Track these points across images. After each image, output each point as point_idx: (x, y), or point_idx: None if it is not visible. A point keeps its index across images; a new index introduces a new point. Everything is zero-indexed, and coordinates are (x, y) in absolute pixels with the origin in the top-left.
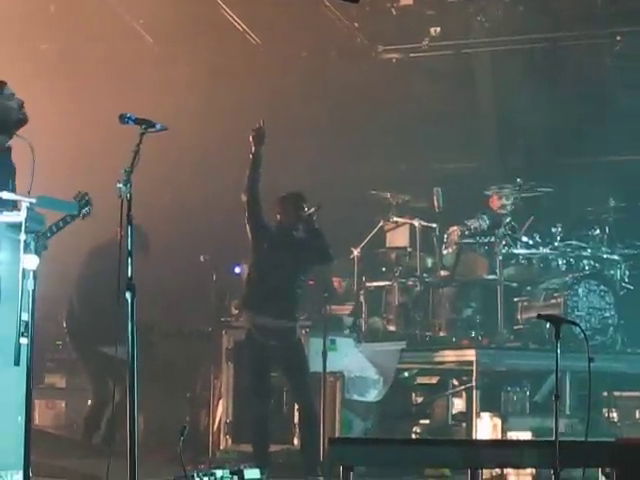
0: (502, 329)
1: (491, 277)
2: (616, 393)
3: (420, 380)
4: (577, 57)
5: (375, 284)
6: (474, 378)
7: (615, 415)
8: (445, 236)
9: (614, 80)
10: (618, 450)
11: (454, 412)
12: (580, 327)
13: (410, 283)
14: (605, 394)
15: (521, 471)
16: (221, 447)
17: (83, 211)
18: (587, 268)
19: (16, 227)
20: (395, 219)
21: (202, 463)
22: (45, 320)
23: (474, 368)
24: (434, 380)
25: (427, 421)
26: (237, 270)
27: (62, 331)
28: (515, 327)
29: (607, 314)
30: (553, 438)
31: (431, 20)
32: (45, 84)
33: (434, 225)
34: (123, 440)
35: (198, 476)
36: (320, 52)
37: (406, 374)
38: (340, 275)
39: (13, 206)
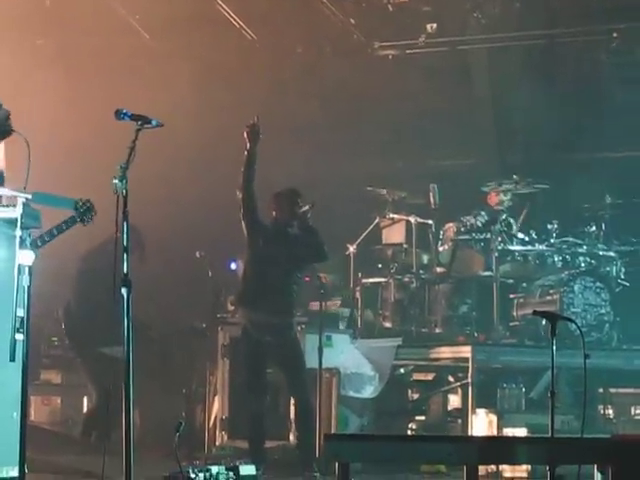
0: (498, 326)
1: (487, 274)
2: (612, 390)
3: (416, 376)
4: (573, 53)
5: (371, 280)
6: (470, 375)
7: (611, 411)
8: (441, 233)
9: (610, 76)
10: (614, 447)
11: (450, 408)
12: (576, 324)
13: (406, 280)
14: (601, 391)
15: (516, 467)
16: (217, 443)
17: (85, 218)
18: (583, 265)
19: (12, 223)
20: (391, 216)
21: (198, 459)
22: (41, 316)
23: (470, 365)
24: (430, 376)
25: (423, 417)
26: (233, 266)
27: (58, 327)
28: (511, 324)
29: (603, 311)
30: (549, 435)
31: (427, 16)
32: (41, 79)
33: (430, 222)
34: (119, 436)
35: (194, 472)
36: (316, 48)
37: (402, 370)
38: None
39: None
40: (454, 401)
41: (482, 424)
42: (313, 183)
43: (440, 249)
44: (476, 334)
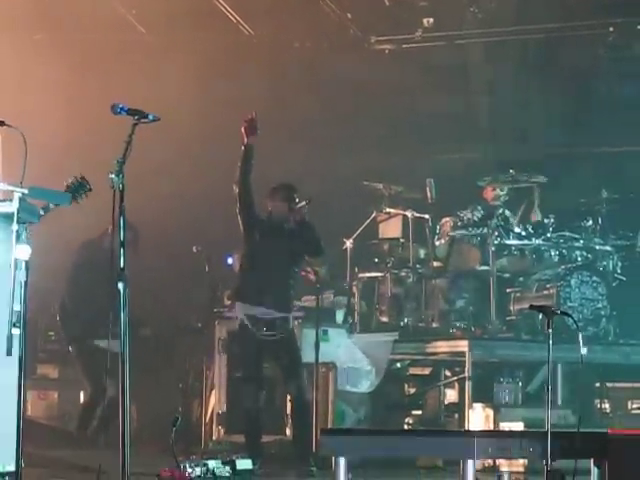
0: (494, 320)
1: (484, 268)
2: (608, 384)
3: (412, 371)
4: (570, 48)
5: (368, 275)
6: (466, 369)
7: (607, 406)
8: (438, 227)
9: (607, 70)
10: (610, 441)
11: (446, 403)
12: (572, 318)
13: (403, 274)
14: (597, 385)
15: (513, 462)
16: (213, 438)
17: (77, 195)
18: (580, 259)
19: (8, 217)
20: (388, 210)
21: (194, 454)
22: (37, 311)
23: (467, 359)
24: (427, 371)
25: (420, 412)
26: (230, 261)
27: (54, 322)
28: (507, 318)
29: (599, 305)
30: (545, 429)
31: (424, 11)
32: (38, 74)
33: (427, 216)
34: (116, 431)
35: (190, 467)
36: (313, 43)
37: (399, 365)
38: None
39: None
40: (451, 395)
41: (479, 418)
42: (310, 178)
43: (437, 243)
44: (473, 328)
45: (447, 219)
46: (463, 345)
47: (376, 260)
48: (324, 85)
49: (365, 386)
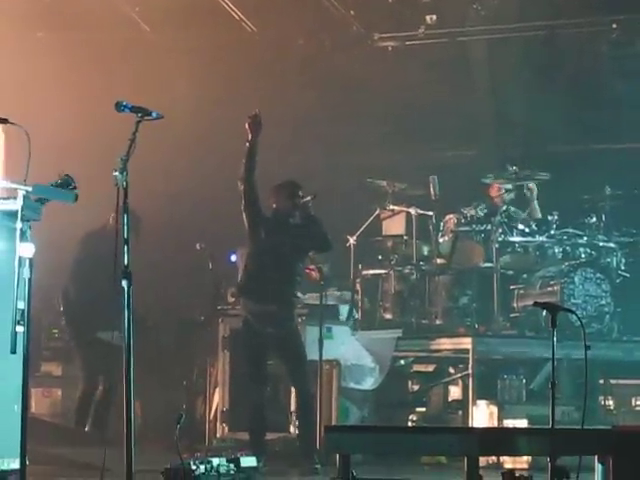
0: (498, 317)
1: (487, 265)
2: (612, 381)
3: (416, 368)
4: (573, 45)
5: (371, 272)
6: (470, 366)
7: (611, 403)
8: (441, 224)
9: (610, 67)
10: (614, 438)
11: (450, 400)
12: (576, 315)
13: (406, 271)
14: (601, 382)
15: (517, 459)
16: (217, 435)
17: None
18: (583, 256)
19: (12, 215)
20: (391, 207)
21: (199, 451)
22: (41, 308)
23: (470, 356)
24: (430, 368)
25: (423, 409)
26: (233, 258)
27: (58, 319)
28: (511, 315)
29: (603, 302)
30: (549, 426)
31: (427, 8)
32: (41, 71)
33: (430, 213)
34: (120, 428)
35: (195, 464)
36: (316, 40)
37: (402, 362)
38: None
39: None
40: (454, 392)
41: (483, 415)
42: (313, 175)
43: (440, 240)
44: (476, 325)
45: (451, 216)
46: (467, 342)
47: (380, 257)
48: (327, 82)
49: (369, 383)
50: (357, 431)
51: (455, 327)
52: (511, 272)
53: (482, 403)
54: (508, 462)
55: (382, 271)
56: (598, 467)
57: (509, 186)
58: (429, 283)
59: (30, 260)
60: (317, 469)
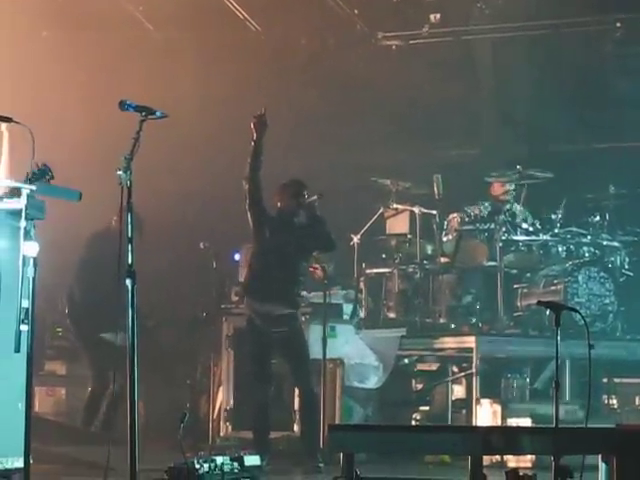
0: (502, 316)
1: (491, 264)
2: (616, 379)
3: (420, 367)
4: (577, 44)
5: (375, 271)
6: (474, 365)
7: (615, 401)
8: (445, 223)
9: (614, 67)
10: (618, 437)
11: (454, 399)
12: (580, 314)
13: (410, 270)
14: (605, 380)
15: (521, 457)
16: (221, 434)
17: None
18: (587, 255)
19: (16, 214)
20: (395, 206)
21: (202, 450)
22: (45, 307)
23: (474, 355)
24: (434, 367)
25: (427, 408)
26: (237, 257)
27: (62, 318)
28: (515, 314)
29: (607, 301)
30: (553, 425)
31: (431, 7)
32: (46, 70)
33: (434, 212)
34: (124, 427)
35: (198, 463)
36: (320, 39)
37: (406, 361)
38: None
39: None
40: (458, 391)
41: (486, 414)
42: (317, 174)
43: (444, 239)
44: (480, 324)
45: (454, 215)
46: (470, 341)
47: (383, 256)
48: (331, 81)
49: (372, 382)
50: (361, 430)
51: (459, 326)
52: (515, 271)
53: (486, 402)
54: (512, 461)
55: (386, 270)
56: (602, 466)
57: (514, 185)
58: (433, 282)
59: (34, 259)
60: (320, 468)
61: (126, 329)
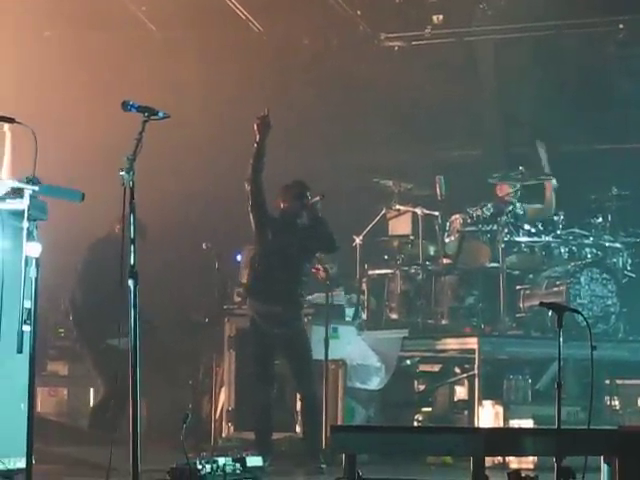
0: (504, 317)
1: (493, 265)
2: (618, 381)
3: (422, 368)
4: (580, 45)
5: (377, 272)
6: (476, 366)
7: (617, 403)
8: (447, 224)
9: (617, 68)
10: (620, 438)
11: (456, 400)
12: (582, 315)
13: (412, 271)
14: (607, 382)
15: (523, 459)
16: (223, 435)
17: None
18: (589, 256)
19: (19, 215)
20: (397, 207)
21: (204, 451)
22: (48, 308)
23: (476, 356)
24: (436, 368)
25: (429, 409)
26: (239, 258)
27: (64, 319)
28: (517, 315)
29: (609, 302)
30: (555, 426)
31: (434, 8)
32: (48, 71)
33: (436, 213)
34: (126, 428)
35: (200, 463)
36: (322, 40)
37: (408, 362)
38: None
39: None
40: (460, 392)
41: (488, 415)
42: (319, 174)
43: (446, 240)
44: (482, 325)
45: (457, 216)
46: (473, 342)
47: (386, 257)
48: (334, 82)
49: (375, 383)
50: (363, 431)
51: (461, 327)
52: (517, 272)
53: (488, 403)
54: (514, 462)
55: (388, 271)
56: (604, 467)
57: (518, 186)
58: (435, 283)
59: (37, 259)
60: (323, 469)
61: (128, 330)
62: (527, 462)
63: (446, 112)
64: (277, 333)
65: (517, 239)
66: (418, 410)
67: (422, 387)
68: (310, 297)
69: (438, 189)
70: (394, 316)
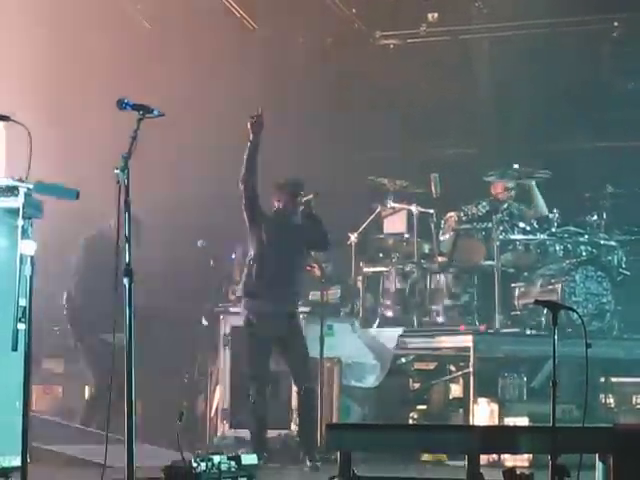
0: (499, 315)
1: (488, 263)
2: (613, 379)
3: (417, 366)
4: (575, 43)
5: (372, 270)
6: (471, 364)
7: (612, 401)
8: (442, 222)
9: (612, 65)
10: (615, 436)
11: (451, 398)
12: (577, 313)
13: (407, 269)
14: (602, 380)
15: (518, 457)
16: (218, 433)
17: None
18: (584, 254)
19: (13, 212)
20: (392, 205)
21: (199, 449)
22: (43, 306)
23: (471, 354)
24: (431, 366)
25: (424, 407)
26: (233, 256)
27: (60, 316)
28: (512, 313)
29: (604, 300)
30: (550, 424)
31: (429, 6)
32: (42, 69)
33: (431, 211)
34: (121, 426)
35: (196, 461)
36: (317, 38)
37: (403, 360)
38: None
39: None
40: (455, 390)
41: (483, 413)
42: (314, 173)
43: (441, 238)
44: (477, 323)
45: (452, 214)
46: (468, 340)
47: (381, 255)
48: (328, 80)
49: (370, 381)
50: (358, 429)
51: (456, 325)
52: (512, 270)
53: (483, 401)
54: (509, 460)
55: (383, 269)
56: (599, 465)
57: (511, 184)
58: (430, 281)
59: (31, 257)
60: (318, 467)
61: (123, 328)
62: (522, 460)
63: (441, 110)
64: (272, 331)
65: (512, 237)
66: (413, 408)
67: (417, 385)
68: (305, 295)
69: (433, 187)
70: (389, 314)
